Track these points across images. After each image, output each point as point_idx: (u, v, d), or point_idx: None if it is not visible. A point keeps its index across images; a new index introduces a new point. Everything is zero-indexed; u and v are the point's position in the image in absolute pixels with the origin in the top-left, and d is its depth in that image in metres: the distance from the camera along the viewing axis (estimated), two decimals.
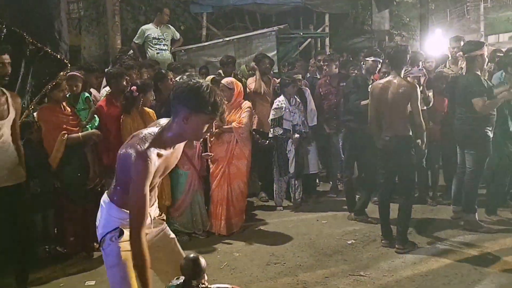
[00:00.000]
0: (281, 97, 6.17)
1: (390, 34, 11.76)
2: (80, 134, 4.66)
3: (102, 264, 4.37)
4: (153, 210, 2.68)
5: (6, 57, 3.63)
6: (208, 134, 3.32)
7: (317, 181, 7.05)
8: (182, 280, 2.17)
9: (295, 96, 6.24)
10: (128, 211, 2.40)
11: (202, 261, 2.15)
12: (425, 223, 5.51)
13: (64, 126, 4.60)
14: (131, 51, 7.27)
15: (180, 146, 2.60)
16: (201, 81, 2.39)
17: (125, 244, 2.43)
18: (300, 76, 6.52)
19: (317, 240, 5.09)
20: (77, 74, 5.03)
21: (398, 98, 4.62)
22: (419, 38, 12.85)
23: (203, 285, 2.15)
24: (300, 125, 6.16)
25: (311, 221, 5.73)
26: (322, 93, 6.75)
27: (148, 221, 2.49)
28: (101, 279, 4.18)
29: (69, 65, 4.35)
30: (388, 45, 10.34)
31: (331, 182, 7.00)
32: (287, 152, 6.11)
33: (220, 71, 6.88)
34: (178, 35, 7.81)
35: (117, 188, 2.49)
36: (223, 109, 2.44)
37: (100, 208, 2.58)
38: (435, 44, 12.84)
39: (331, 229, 5.43)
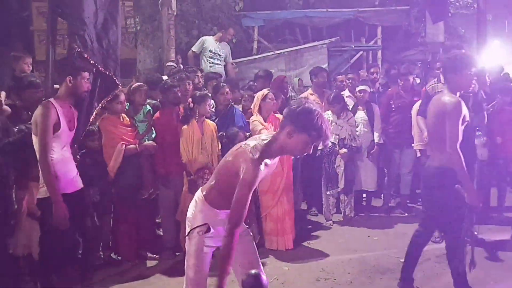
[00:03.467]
0: (329, 111, 6.14)
1: (444, 46, 11.44)
2: (137, 145, 4.82)
3: (154, 273, 4.54)
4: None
5: (86, 74, 3.85)
6: None
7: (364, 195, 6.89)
8: None
9: (346, 110, 6.19)
10: (217, 210, 2.74)
11: (264, 277, 2.16)
12: None
13: (123, 136, 4.78)
14: (171, 63, 7.33)
15: (276, 161, 2.82)
16: (315, 107, 2.63)
17: (208, 240, 2.76)
18: (365, 88, 6.38)
19: (369, 257, 4.98)
20: (143, 85, 5.22)
21: (434, 116, 3.81)
22: (475, 50, 12.45)
23: None
24: (348, 139, 6.08)
25: (362, 237, 5.62)
26: (393, 106, 6.45)
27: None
28: (152, 287, 4.28)
29: (120, 85, 4.53)
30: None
31: (382, 198, 6.82)
32: (335, 166, 6.04)
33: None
34: (230, 59, 7.93)
35: (214, 190, 2.77)
36: (327, 138, 2.64)
37: (193, 202, 2.86)
38: (494, 56, 12.39)
39: (382, 246, 5.31)
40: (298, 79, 7.46)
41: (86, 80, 3.84)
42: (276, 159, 2.80)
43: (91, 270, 4.52)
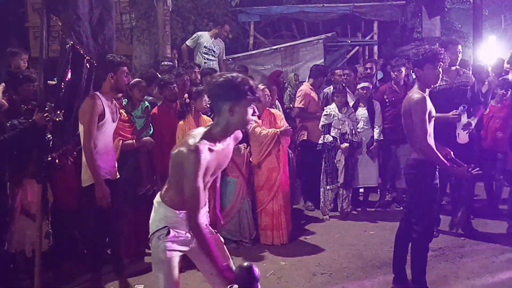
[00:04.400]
0: (333, 105, 6.17)
1: (441, 41, 11.44)
2: (134, 141, 4.82)
3: (152, 269, 4.53)
4: (204, 215, 2.75)
5: (125, 69, 4.05)
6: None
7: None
8: None
9: (348, 105, 6.21)
10: (176, 211, 2.59)
11: (256, 270, 2.17)
12: None
13: (120, 132, 4.76)
14: (167, 62, 7.32)
15: (231, 145, 2.71)
16: (230, 73, 2.53)
17: (170, 243, 2.61)
18: (367, 84, 6.36)
19: (365, 251, 5.00)
20: (141, 81, 5.21)
21: (403, 113, 3.93)
22: (471, 45, 12.47)
23: None
24: (349, 134, 6.10)
25: (358, 232, 5.64)
26: (387, 101, 6.47)
27: (204, 211, 2.66)
28: (150, 283, 4.28)
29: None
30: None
31: (379, 193, 6.85)
32: (335, 161, 6.06)
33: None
34: (224, 55, 7.93)
35: (169, 190, 2.65)
36: (259, 91, 2.57)
37: (153, 207, 2.74)
38: (489, 51, 12.40)
39: (379, 240, 5.33)
40: (294, 74, 7.46)
41: (125, 74, 4.04)
42: (230, 143, 2.67)
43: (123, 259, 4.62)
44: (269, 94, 5.44)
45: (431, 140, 3.76)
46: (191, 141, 2.45)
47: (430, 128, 3.76)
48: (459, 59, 5.15)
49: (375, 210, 6.51)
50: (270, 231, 5.32)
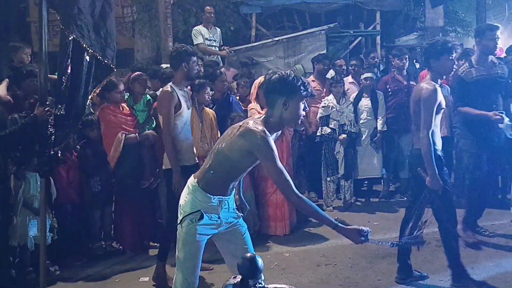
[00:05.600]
0: (330, 96, 6.14)
1: (444, 30, 11.36)
2: (137, 134, 4.81)
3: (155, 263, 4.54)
4: (231, 199, 2.84)
5: (195, 58, 4.23)
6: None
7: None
8: (239, 279, 2.18)
9: (345, 96, 6.18)
10: (211, 196, 2.68)
11: (259, 260, 2.16)
12: None
13: (122, 126, 4.77)
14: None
15: (274, 136, 2.80)
16: (284, 71, 2.72)
17: (202, 228, 2.69)
18: (370, 75, 6.32)
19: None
20: (142, 74, 5.21)
21: (412, 102, 3.93)
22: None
23: (260, 285, 2.16)
24: (348, 125, 6.07)
25: (362, 223, 5.50)
26: (390, 90, 6.45)
27: (232, 196, 2.81)
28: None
29: (115, 69, 4.51)
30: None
31: (382, 183, 6.83)
32: (335, 153, 6.04)
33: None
34: (221, 41, 7.89)
35: (210, 173, 2.71)
36: (311, 88, 2.73)
37: (185, 189, 2.79)
38: None
39: (383, 230, 5.32)
40: (301, 66, 7.42)
41: (196, 63, 4.23)
42: (275, 135, 2.79)
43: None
44: None
45: (437, 131, 3.78)
46: (257, 128, 2.57)
47: (438, 119, 3.78)
48: (498, 47, 4.93)
49: (379, 201, 6.50)
50: (273, 222, 5.34)
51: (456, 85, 5.26)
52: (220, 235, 2.84)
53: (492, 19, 17.76)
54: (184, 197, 2.78)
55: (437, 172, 3.69)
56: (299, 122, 2.83)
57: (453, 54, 3.78)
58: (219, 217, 2.74)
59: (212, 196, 2.69)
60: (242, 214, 2.94)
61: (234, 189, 2.86)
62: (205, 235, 2.74)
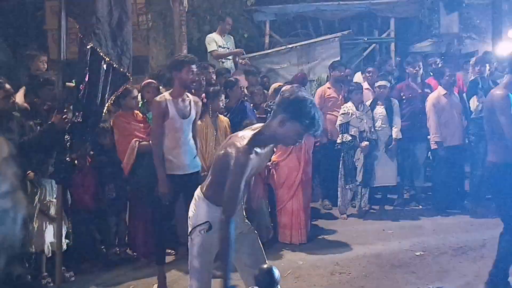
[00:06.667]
0: (349, 103, 6.12)
1: (459, 37, 11.28)
2: (150, 141, 4.84)
3: (170, 269, 4.56)
4: (240, 209, 2.83)
5: (192, 67, 4.21)
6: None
7: None
8: None
9: (363, 102, 6.17)
10: (218, 207, 2.63)
11: (276, 272, 2.16)
12: None
13: (136, 133, 4.80)
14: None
15: (269, 152, 2.78)
16: (308, 95, 2.61)
17: (210, 238, 2.68)
18: (384, 83, 6.29)
19: (384, 251, 4.96)
20: (153, 81, 5.25)
21: (486, 110, 3.86)
22: (490, 41, 12.24)
23: None
24: (367, 132, 6.05)
25: (377, 231, 5.60)
26: (404, 98, 6.43)
27: (239, 206, 2.72)
28: (168, 283, 4.30)
29: (131, 77, 4.56)
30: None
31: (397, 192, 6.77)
32: (354, 160, 6.01)
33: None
34: (235, 48, 7.92)
35: (213, 186, 2.72)
36: (319, 128, 2.57)
37: (193, 201, 2.82)
38: (509, 47, 12.14)
39: (398, 239, 5.28)
40: (327, 76, 7.42)
41: (191, 72, 4.21)
42: (268, 148, 2.73)
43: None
44: None
45: None
46: (240, 144, 2.52)
47: None
48: None
49: (393, 209, 6.45)
50: (289, 230, 5.32)
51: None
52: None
53: (508, 25, 17.56)
54: (192, 209, 2.80)
55: None
56: (289, 147, 2.76)
57: None
58: None
59: (219, 207, 2.66)
60: (252, 227, 2.93)
61: (243, 198, 2.84)
62: (215, 245, 2.71)
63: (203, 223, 2.70)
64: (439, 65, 6.82)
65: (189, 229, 2.77)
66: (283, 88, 2.68)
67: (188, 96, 4.34)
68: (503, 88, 3.70)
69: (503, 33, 12.61)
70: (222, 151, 2.62)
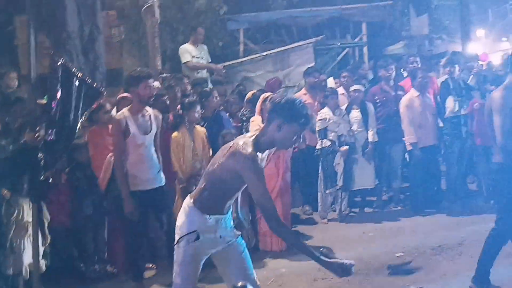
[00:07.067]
0: (325, 109, 6.17)
1: (429, 38, 11.52)
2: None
3: (151, 284, 4.51)
4: (229, 218, 2.84)
5: (151, 81, 4.21)
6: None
7: None
8: None
9: (339, 107, 6.23)
10: (207, 216, 2.69)
11: None
12: None
13: (111, 147, 4.74)
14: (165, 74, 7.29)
15: (265, 156, 2.81)
16: (293, 97, 2.73)
17: (198, 247, 2.70)
18: (359, 87, 6.36)
19: (365, 254, 4.99)
20: (128, 95, 5.20)
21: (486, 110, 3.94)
22: (460, 41, 12.52)
23: None
24: (346, 135, 6.11)
25: (357, 234, 5.64)
26: (379, 101, 6.51)
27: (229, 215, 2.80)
28: None
29: (105, 91, 4.53)
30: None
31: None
32: (334, 164, 6.05)
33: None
34: (209, 58, 7.93)
35: (204, 193, 2.73)
36: (313, 123, 2.63)
37: (182, 209, 2.81)
38: (478, 46, 12.44)
39: (378, 241, 5.33)
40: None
41: (148, 87, 4.19)
42: (265, 154, 2.79)
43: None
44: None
45: None
46: (247, 151, 2.56)
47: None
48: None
49: (373, 211, 6.51)
50: (269, 237, 5.31)
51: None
52: (218, 255, 2.84)
53: (476, 25, 17.99)
54: (181, 218, 2.78)
55: None
56: (289, 149, 2.82)
57: None
58: (216, 237, 2.75)
59: (208, 216, 2.70)
60: (239, 233, 2.93)
61: (231, 207, 2.87)
62: (203, 255, 2.75)
63: (192, 232, 2.69)
64: (419, 65, 6.92)
65: (177, 238, 2.76)
66: (272, 96, 2.73)
67: (147, 111, 4.33)
68: (502, 90, 3.81)
69: (472, 33, 12.90)
70: (224, 160, 2.64)
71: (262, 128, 2.72)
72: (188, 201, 2.79)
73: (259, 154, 2.64)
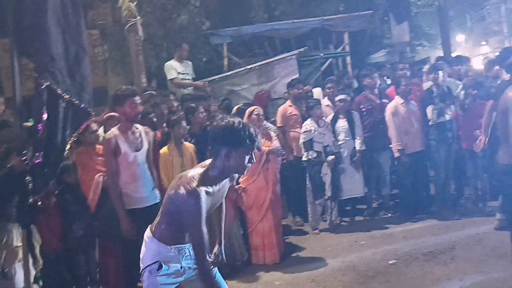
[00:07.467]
0: (309, 120, 6.20)
1: (411, 45, 11.68)
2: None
3: None
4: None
5: (137, 98, 4.20)
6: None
7: None
8: None
9: (323, 118, 6.27)
10: (168, 246, 2.64)
11: None
12: None
13: (99, 167, 4.72)
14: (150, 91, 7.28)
15: (226, 184, 2.75)
16: (231, 119, 2.56)
17: (162, 278, 2.64)
18: (344, 97, 6.40)
19: (358, 262, 5.01)
20: (115, 114, 5.19)
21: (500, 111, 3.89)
22: (441, 46, 12.73)
23: None
24: (331, 146, 6.15)
25: (349, 243, 5.65)
26: (364, 110, 6.57)
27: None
28: None
29: (93, 113, 4.51)
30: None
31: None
32: (321, 175, 6.07)
33: None
34: (194, 74, 7.95)
35: (162, 226, 2.67)
36: (260, 139, 2.61)
37: (143, 242, 2.76)
38: (458, 51, 12.62)
39: (371, 249, 5.34)
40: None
41: (134, 104, 4.16)
42: (225, 183, 2.71)
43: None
44: (262, 114, 5.49)
45: None
46: (190, 186, 2.48)
47: None
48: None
49: (363, 219, 6.54)
50: (261, 251, 5.30)
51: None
52: (188, 282, 2.78)
53: (455, 30, 18.33)
54: (143, 250, 2.75)
55: None
56: (245, 173, 2.71)
57: None
58: (181, 266, 2.69)
59: (169, 247, 2.65)
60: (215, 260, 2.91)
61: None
62: (169, 284, 2.68)
63: (153, 263, 2.64)
64: (408, 73, 7.00)
65: (140, 270, 2.72)
66: (210, 126, 2.67)
67: (137, 128, 4.31)
68: None
69: (451, 38, 13.12)
70: (172, 192, 2.57)
71: (211, 162, 2.62)
72: (148, 233, 2.75)
73: (210, 189, 2.54)
